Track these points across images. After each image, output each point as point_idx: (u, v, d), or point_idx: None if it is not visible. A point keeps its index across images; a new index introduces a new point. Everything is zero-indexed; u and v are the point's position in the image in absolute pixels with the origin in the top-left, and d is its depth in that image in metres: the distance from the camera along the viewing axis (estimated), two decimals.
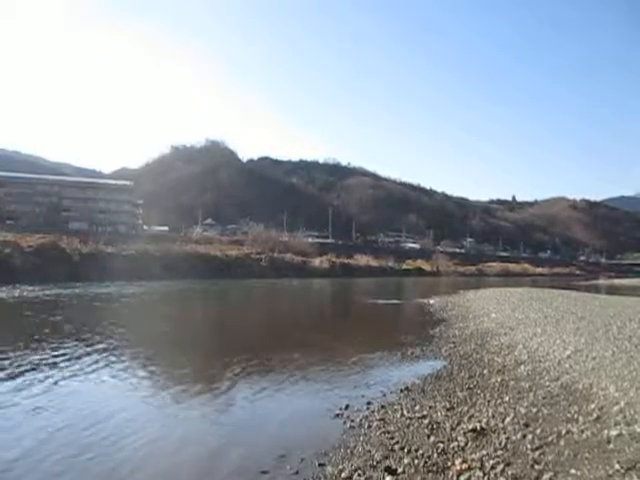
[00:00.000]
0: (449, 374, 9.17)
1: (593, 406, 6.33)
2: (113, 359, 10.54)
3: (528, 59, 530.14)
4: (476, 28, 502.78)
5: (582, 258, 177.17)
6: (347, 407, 7.23)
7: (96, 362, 10.14)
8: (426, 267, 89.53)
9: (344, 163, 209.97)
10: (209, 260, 53.00)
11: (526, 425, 5.89)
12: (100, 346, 11.84)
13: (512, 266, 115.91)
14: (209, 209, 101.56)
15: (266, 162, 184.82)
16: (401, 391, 8.05)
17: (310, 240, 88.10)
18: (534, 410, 6.46)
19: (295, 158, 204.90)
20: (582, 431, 5.52)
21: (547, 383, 7.80)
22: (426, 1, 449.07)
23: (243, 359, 10.64)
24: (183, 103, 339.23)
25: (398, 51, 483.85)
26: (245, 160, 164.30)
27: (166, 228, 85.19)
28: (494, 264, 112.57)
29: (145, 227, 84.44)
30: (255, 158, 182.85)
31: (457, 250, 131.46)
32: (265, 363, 10.57)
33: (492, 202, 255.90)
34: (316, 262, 66.91)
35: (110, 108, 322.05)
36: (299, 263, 63.93)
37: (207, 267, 50.07)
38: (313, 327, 18.08)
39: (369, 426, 6.30)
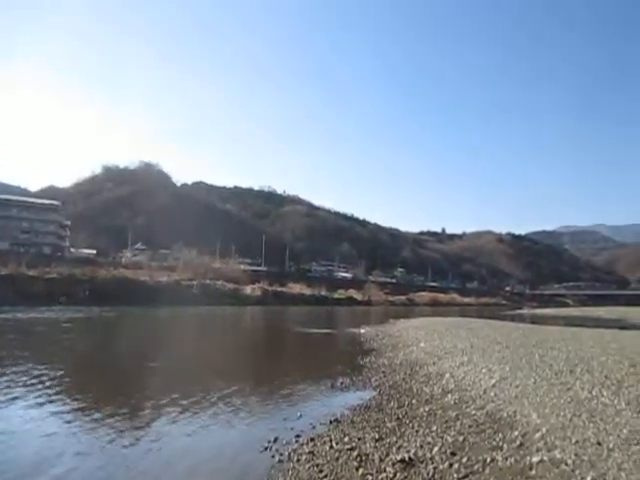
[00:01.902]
0: (378, 404, 9.15)
1: (516, 433, 6.47)
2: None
3: (454, 90, 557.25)
4: (403, 65, 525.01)
5: (507, 289, 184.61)
6: (276, 440, 7.04)
7: None
8: (358, 296, 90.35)
9: (279, 191, 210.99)
10: (138, 286, 51.23)
11: (453, 454, 5.93)
12: None
13: (441, 296, 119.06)
14: (140, 233, 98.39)
15: (200, 187, 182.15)
16: (331, 422, 7.94)
17: (243, 267, 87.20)
18: (461, 439, 6.53)
19: (230, 184, 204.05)
20: (506, 458, 5.61)
21: (473, 411, 7.93)
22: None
23: (168, 391, 10.22)
24: (115, 122, 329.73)
25: (330, 86, 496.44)
26: (179, 184, 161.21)
27: (94, 251, 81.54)
28: (424, 294, 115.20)
29: (72, 249, 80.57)
30: (189, 183, 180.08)
31: (388, 280, 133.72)
32: (191, 395, 10.14)
33: (423, 233, 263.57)
34: (248, 290, 66.16)
35: (38, 122, 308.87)
36: (231, 290, 62.97)
37: (136, 293, 48.34)
38: (243, 357, 17.70)
39: (298, 460, 6.13)
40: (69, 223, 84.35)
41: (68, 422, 7.94)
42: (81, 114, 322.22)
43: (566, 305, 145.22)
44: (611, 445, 5.53)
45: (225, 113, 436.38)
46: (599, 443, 5.64)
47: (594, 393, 8.09)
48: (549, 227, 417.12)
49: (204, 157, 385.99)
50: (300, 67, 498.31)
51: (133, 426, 7.87)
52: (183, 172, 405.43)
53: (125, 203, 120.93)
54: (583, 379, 9.37)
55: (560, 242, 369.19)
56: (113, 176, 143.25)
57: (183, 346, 20.99)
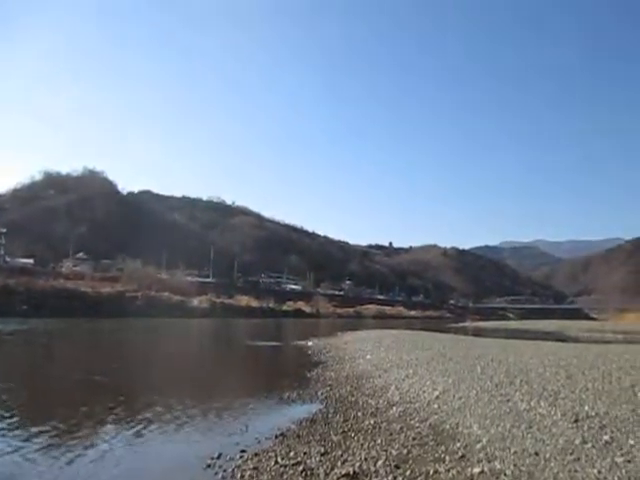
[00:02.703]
0: (324, 418, 9.13)
1: (459, 445, 6.61)
2: None
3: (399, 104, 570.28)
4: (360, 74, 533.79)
5: (452, 302, 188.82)
6: (220, 456, 6.87)
7: None
8: (306, 309, 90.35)
9: (229, 202, 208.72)
10: (79, 297, 49.36)
11: (397, 467, 5.98)
12: None
13: (388, 309, 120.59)
14: (82, 242, 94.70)
15: (147, 196, 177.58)
16: (276, 437, 7.84)
17: (190, 279, 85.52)
18: (405, 451, 6.59)
19: (178, 194, 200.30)
20: (448, 470, 5.70)
21: (417, 424, 8.04)
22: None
23: (109, 407, 9.86)
24: (59, 126, 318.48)
25: (277, 100, 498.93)
26: (125, 192, 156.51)
27: (31, 260, 77.86)
28: (371, 306, 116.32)
29: (7, 259, 76.73)
30: (136, 191, 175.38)
31: (337, 292, 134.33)
32: (132, 410, 9.83)
33: (371, 247, 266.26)
34: (195, 302, 64.99)
35: None
36: (177, 302, 61.66)
37: (76, 305, 46.53)
38: (188, 371, 17.32)
39: (242, 476, 6.01)
40: (5, 230, 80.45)
41: None
42: (19, 117, 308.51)
43: (507, 318, 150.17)
44: (548, 455, 5.72)
45: (175, 122, 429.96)
46: (537, 453, 5.83)
47: (532, 404, 8.37)
48: (492, 242, 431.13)
49: (152, 166, 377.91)
50: (244, 78, 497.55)
51: (70, 443, 7.52)
52: (130, 181, 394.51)
53: (67, 211, 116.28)
54: (522, 390, 9.68)
55: (502, 257, 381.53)
56: (54, 183, 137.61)
57: (125, 360, 20.33)
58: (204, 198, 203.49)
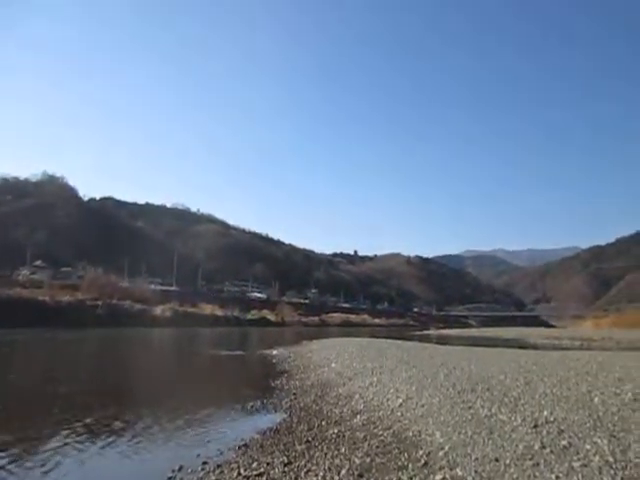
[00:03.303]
0: (288, 427, 9.07)
1: (421, 452, 6.65)
2: None
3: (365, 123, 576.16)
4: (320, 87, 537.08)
5: (415, 310, 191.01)
6: (181, 469, 6.76)
7: None
8: (271, 317, 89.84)
9: (193, 209, 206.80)
10: (36, 306, 47.75)
11: (360, 476, 5.98)
12: None
13: (353, 317, 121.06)
14: (40, 249, 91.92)
15: (109, 203, 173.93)
16: (239, 448, 7.75)
17: (153, 287, 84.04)
18: (368, 460, 6.60)
19: (141, 201, 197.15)
20: (411, 478, 5.74)
21: (381, 432, 8.06)
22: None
23: (66, 420, 9.58)
24: (17, 130, 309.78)
25: (241, 108, 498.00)
26: (86, 199, 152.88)
27: None
28: (336, 315, 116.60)
29: None
30: (97, 197, 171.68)
31: (302, 300, 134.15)
32: (90, 422, 9.56)
33: (336, 255, 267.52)
34: (158, 310, 63.77)
35: None
36: (140, 311, 60.37)
37: (34, 314, 44.94)
38: (149, 381, 16.98)
39: None
40: None
41: None
42: None
43: (469, 326, 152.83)
44: (508, 461, 5.81)
45: (139, 128, 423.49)
46: (497, 459, 5.91)
47: (493, 411, 8.50)
48: (454, 251, 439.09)
49: (115, 172, 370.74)
50: (205, 88, 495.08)
51: (21, 458, 7.26)
52: (92, 187, 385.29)
53: (24, 217, 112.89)
54: (483, 397, 9.82)
55: (464, 265, 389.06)
56: (12, 188, 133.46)
57: (83, 371, 19.79)
58: (168, 205, 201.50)
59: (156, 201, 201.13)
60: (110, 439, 8.47)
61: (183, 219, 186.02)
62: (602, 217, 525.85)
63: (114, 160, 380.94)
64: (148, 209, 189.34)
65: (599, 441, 6.31)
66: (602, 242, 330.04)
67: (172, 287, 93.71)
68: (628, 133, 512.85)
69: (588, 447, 6.09)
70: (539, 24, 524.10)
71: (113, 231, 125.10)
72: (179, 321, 62.43)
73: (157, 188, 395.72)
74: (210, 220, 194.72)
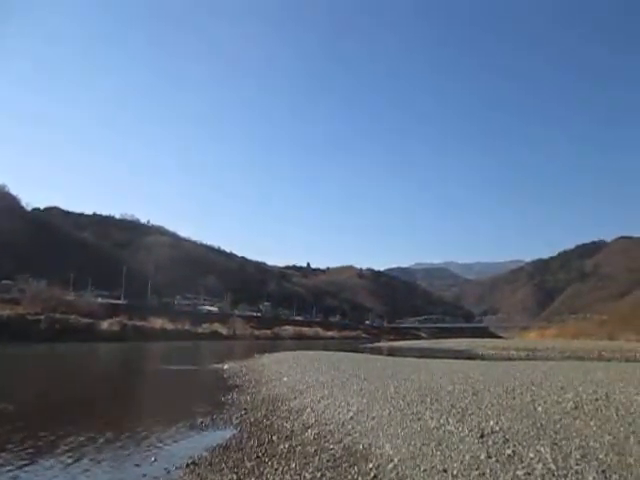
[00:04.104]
0: (238, 443, 8.92)
1: (371, 465, 6.67)
2: None
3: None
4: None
5: (367, 322, 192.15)
6: None
7: None
8: (223, 330, 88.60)
9: (143, 220, 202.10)
10: None
11: None
12: None
13: (305, 330, 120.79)
14: None
15: (54, 213, 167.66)
16: (187, 466, 7.56)
17: (100, 300, 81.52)
18: (319, 475, 6.57)
19: (89, 211, 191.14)
20: None
21: (331, 446, 8.04)
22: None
23: (4, 441, 9.10)
24: None
25: (188, 118, 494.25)
26: (30, 208, 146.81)
27: None
28: (289, 328, 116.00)
29: None
30: (42, 207, 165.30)
31: (254, 314, 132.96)
32: (29, 444, 9.12)
33: (288, 268, 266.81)
34: (105, 324, 61.74)
35: None
36: (86, 325, 58.25)
37: None
38: (94, 399, 16.35)
39: None
40: None
41: None
42: None
43: (420, 337, 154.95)
44: (455, 472, 5.90)
45: (84, 135, 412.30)
46: (445, 470, 5.99)
47: (441, 422, 8.63)
48: (405, 264, 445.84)
49: (61, 182, 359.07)
50: (151, 99, 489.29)
51: None
52: (36, 196, 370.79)
53: None
54: (432, 408, 9.97)
55: (415, 278, 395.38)
56: None
57: (24, 390, 18.91)
58: (117, 216, 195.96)
59: (104, 212, 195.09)
60: (50, 460, 8.10)
61: (132, 230, 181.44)
62: (545, 232, 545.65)
63: (59, 170, 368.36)
64: (96, 220, 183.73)
65: (542, 449, 6.50)
66: (545, 256, 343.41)
67: (120, 300, 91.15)
68: (569, 152, 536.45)
69: (532, 455, 6.27)
70: (502, 36, 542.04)
71: (58, 242, 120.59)
72: (127, 335, 60.70)
73: (106, 199, 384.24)
74: (161, 232, 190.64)
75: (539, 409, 9.69)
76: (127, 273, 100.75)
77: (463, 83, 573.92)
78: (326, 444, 8.19)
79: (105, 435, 10.00)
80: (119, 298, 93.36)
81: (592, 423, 8.26)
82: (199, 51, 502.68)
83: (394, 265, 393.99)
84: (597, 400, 10.54)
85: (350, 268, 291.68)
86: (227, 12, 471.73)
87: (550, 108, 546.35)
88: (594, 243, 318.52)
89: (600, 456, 6.16)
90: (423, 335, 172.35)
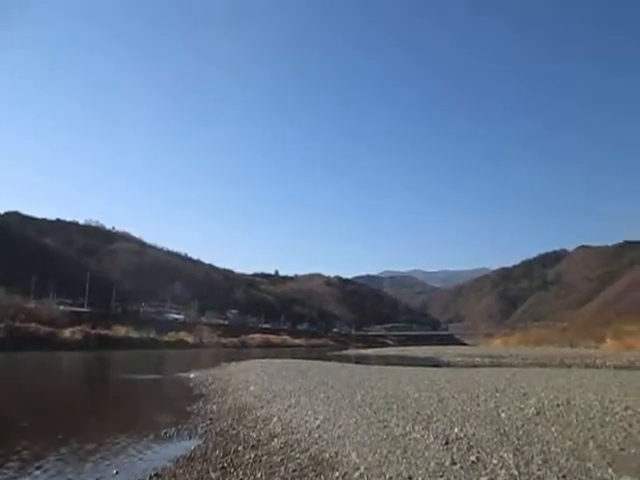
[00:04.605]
0: (203, 454, 8.78)
1: (337, 474, 6.66)
2: None
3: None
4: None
5: (335, 330, 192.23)
6: None
7: None
8: (189, 339, 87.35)
9: (108, 226, 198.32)
10: None
11: None
12: None
13: (273, 338, 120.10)
14: None
15: (14, 218, 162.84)
16: (150, 478, 7.40)
17: (62, 308, 79.45)
18: None
19: (52, 216, 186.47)
20: None
21: (298, 455, 8.00)
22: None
23: None
24: None
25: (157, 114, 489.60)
26: None
27: None
28: (256, 336, 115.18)
29: None
30: (1, 212, 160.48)
31: (221, 322, 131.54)
32: None
33: (256, 275, 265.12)
34: (67, 333, 60.15)
35: None
36: (47, 334, 56.62)
37: None
38: (53, 410, 15.91)
39: None
40: None
41: None
42: None
43: (387, 345, 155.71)
44: (420, 479, 5.95)
45: (47, 139, 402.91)
46: (410, 477, 6.04)
47: (407, 429, 8.70)
48: (373, 272, 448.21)
49: (22, 186, 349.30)
50: (117, 100, 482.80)
51: None
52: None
53: None
54: (399, 416, 10.05)
55: (382, 286, 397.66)
56: None
57: None
58: (81, 222, 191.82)
59: (68, 217, 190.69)
60: (3, 477, 7.83)
61: (97, 237, 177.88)
62: (509, 240, 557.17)
63: (21, 174, 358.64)
64: (59, 225, 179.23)
65: (505, 455, 6.62)
66: (509, 264, 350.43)
67: (84, 308, 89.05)
68: (532, 162, 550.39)
69: (495, 461, 6.37)
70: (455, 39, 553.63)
71: (18, 248, 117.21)
72: (90, 344, 59.27)
73: (69, 204, 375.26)
74: (126, 238, 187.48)
75: (503, 415, 9.87)
76: (91, 280, 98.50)
77: (421, 89, 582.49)
78: (292, 453, 8.15)
79: (64, 448, 9.72)
80: (82, 306, 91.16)
81: (553, 429, 8.46)
82: (170, 51, 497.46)
83: (362, 273, 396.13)
84: (558, 406, 10.80)
85: (318, 276, 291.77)
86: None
87: (511, 117, 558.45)
88: (556, 252, 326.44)
89: (561, 461, 6.30)
90: (390, 343, 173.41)
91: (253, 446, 9.04)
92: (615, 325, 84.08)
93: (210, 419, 12.53)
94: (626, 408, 10.42)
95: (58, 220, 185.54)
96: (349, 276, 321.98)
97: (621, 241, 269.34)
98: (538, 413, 10.00)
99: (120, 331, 74.06)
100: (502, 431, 8.24)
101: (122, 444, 10.17)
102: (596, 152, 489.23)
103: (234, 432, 10.55)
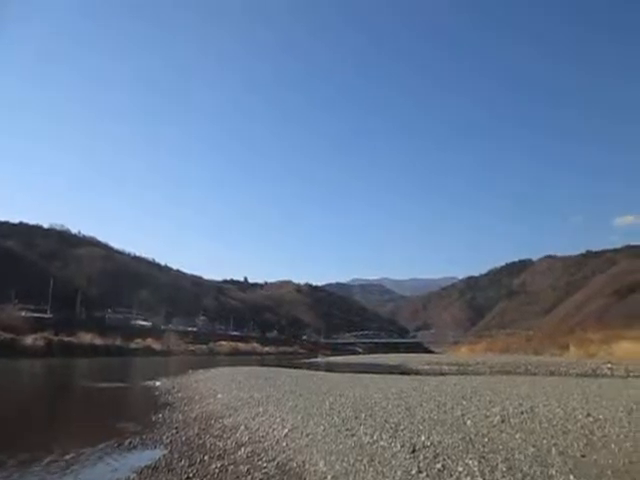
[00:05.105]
0: (168, 464, 8.61)
1: None
2: None
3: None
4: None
5: (305, 337, 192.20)
6: None
7: None
8: (157, 346, 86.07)
9: (74, 231, 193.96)
10: None
11: None
12: None
13: (242, 345, 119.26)
14: None
15: None
16: None
17: (24, 314, 77.28)
18: None
19: (14, 219, 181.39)
20: None
21: (265, 464, 7.94)
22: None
23: None
24: None
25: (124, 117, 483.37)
26: None
27: None
28: (225, 343, 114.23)
29: None
30: None
31: (189, 328, 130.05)
32: None
33: (226, 282, 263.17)
34: (29, 340, 58.50)
35: None
36: (8, 341, 54.97)
37: None
38: (11, 418, 15.43)
39: None
40: None
41: None
42: None
43: (356, 353, 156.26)
44: None
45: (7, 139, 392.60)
46: None
47: (375, 437, 8.72)
48: (342, 279, 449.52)
49: None
50: (81, 97, 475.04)
51: None
52: None
53: None
54: (366, 424, 10.06)
55: (352, 293, 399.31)
56: None
57: None
58: (45, 226, 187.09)
59: (31, 220, 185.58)
60: None
61: (62, 241, 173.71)
62: (477, 250, 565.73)
63: None
64: (21, 229, 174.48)
65: (470, 462, 6.69)
66: (476, 273, 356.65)
67: (47, 314, 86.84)
68: (494, 171, 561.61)
69: (460, 469, 6.43)
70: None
71: None
72: (53, 351, 57.77)
73: (33, 207, 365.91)
74: (92, 243, 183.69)
75: (468, 423, 9.98)
76: (55, 286, 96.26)
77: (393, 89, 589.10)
78: (259, 462, 8.09)
79: (23, 459, 9.43)
80: (45, 312, 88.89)
81: (517, 436, 8.60)
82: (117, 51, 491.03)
83: (332, 280, 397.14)
84: (522, 413, 11.00)
85: (288, 283, 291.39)
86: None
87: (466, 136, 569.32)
88: (521, 262, 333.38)
89: (524, 468, 6.40)
90: (359, 350, 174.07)
91: (219, 455, 8.93)
92: (578, 333, 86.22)
93: (176, 428, 12.33)
94: (587, 415, 10.67)
95: (21, 223, 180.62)
96: (319, 283, 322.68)
97: (584, 251, 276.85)
98: (503, 421, 10.16)
99: (85, 338, 72.42)
100: (468, 439, 8.34)
101: (84, 454, 9.91)
102: (561, 164, 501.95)
103: (200, 441, 10.40)
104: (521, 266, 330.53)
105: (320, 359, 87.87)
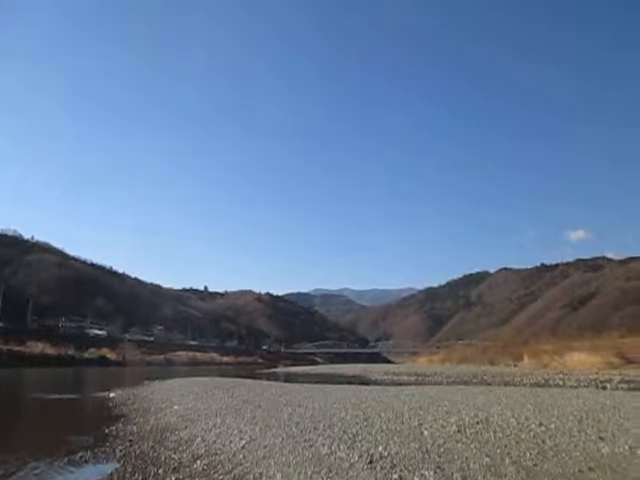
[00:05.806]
0: (121, 478, 8.38)
1: None
2: None
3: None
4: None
5: (265, 347, 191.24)
6: None
7: None
8: (111, 356, 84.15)
9: (26, 236, 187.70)
10: None
11: None
12: None
13: (200, 355, 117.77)
14: None
15: None
16: None
17: None
18: None
19: None
20: None
21: (221, 477, 7.80)
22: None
23: None
24: None
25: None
26: None
27: None
28: (182, 353, 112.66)
29: None
30: None
31: (146, 338, 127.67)
32: None
33: (185, 290, 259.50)
34: None
35: None
36: None
37: None
38: None
39: None
40: None
41: None
42: None
43: (316, 363, 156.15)
44: None
45: None
46: None
47: (333, 448, 8.71)
48: (304, 289, 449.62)
49: None
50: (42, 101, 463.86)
51: None
52: None
53: None
54: (325, 435, 10.04)
55: (313, 304, 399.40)
56: None
57: None
58: None
59: None
60: None
61: (13, 247, 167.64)
62: (436, 261, 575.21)
63: None
64: None
65: (427, 473, 6.75)
66: (435, 284, 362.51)
67: None
68: (456, 187, 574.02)
69: (417, 479, 6.49)
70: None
71: None
72: (2, 361, 55.78)
73: None
74: (46, 249, 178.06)
75: (425, 433, 10.08)
76: (5, 293, 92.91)
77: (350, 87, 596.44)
78: (215, 475, 7.95)
79: None
80: None
81: (472, 446, 8.73)
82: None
83: (293, 290, 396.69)
84: (478, 424, 11.18)
85: (249, 292, 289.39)
86: None
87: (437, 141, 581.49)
88: (479, 273, 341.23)
89: (479, 478, 6.51)
90: (319, 360, 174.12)
91: (174, 468, 8.72)
92: (532, 344, 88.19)
93: (130, 441, 11.99)
94: (540, 424, 10.93)
95: None
96: (280, 293, 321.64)
97: (539, 264, 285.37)
98: (459, 431, 10.30)
99: (36, 347, 70.34)
100: (424, 449, 8.41)
101: (31, 471, 9.52)
102: (519, 178, 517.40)
103: (155, 454, 10.14)
104: (479, 278, 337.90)
105: (280, 369, 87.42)
